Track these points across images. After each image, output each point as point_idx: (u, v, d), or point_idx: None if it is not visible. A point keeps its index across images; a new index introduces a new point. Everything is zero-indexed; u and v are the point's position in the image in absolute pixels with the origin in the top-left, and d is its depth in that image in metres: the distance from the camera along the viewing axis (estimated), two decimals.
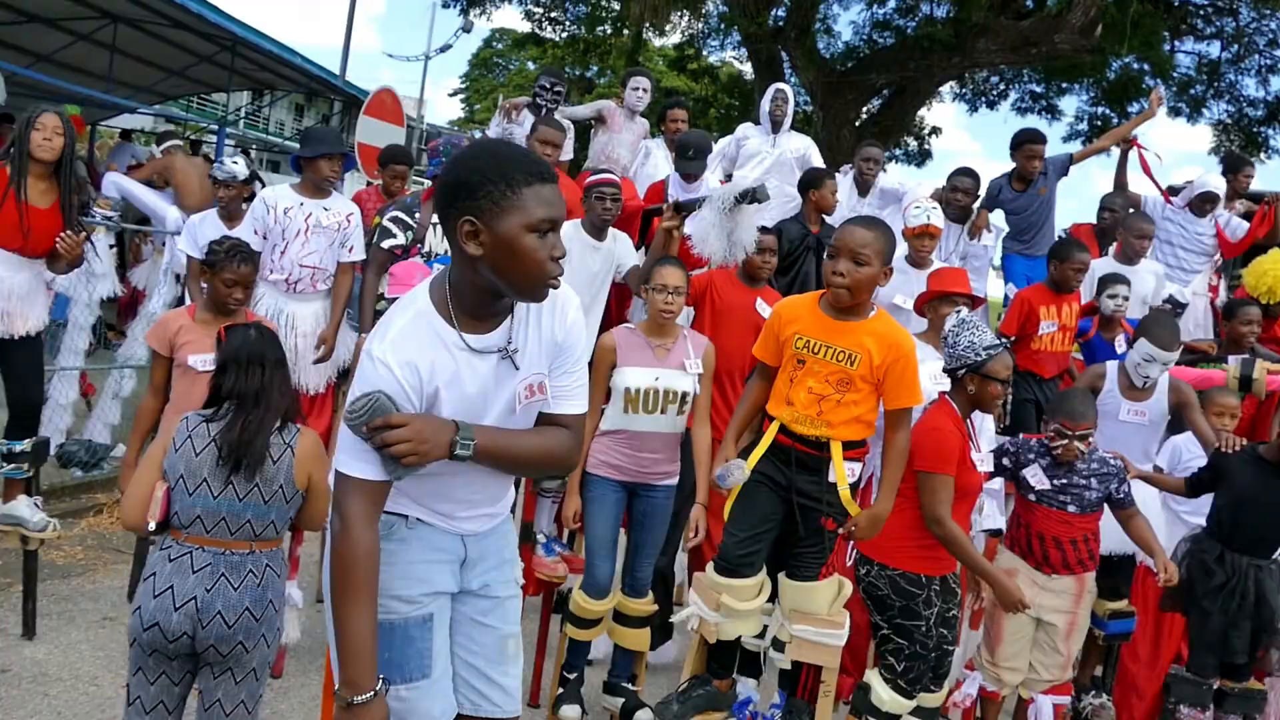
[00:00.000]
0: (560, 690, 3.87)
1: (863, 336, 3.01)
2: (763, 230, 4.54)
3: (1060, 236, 6.50)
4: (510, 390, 2.07)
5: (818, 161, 6.48)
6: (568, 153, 6.69)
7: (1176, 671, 3.94)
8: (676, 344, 3.75)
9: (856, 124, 12.73)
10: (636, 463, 3.70)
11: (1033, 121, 15.20)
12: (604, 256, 4.62)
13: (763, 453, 3.13)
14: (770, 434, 3.12)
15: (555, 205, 1.92)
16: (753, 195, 4.41)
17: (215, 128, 14.71)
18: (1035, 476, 3.79)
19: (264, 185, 5.74)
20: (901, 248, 4.96)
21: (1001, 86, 15.04)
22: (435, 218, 4.48)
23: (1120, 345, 5.09)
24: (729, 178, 6.23)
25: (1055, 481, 3.74)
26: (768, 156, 6.42)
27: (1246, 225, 6.29)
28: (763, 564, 3.26)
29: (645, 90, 6.78)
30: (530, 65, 25.94)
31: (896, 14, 13.14)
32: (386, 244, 4.49)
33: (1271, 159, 13.74)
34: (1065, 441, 3.64)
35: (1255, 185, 7.03)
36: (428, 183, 4.81)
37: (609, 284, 4.76)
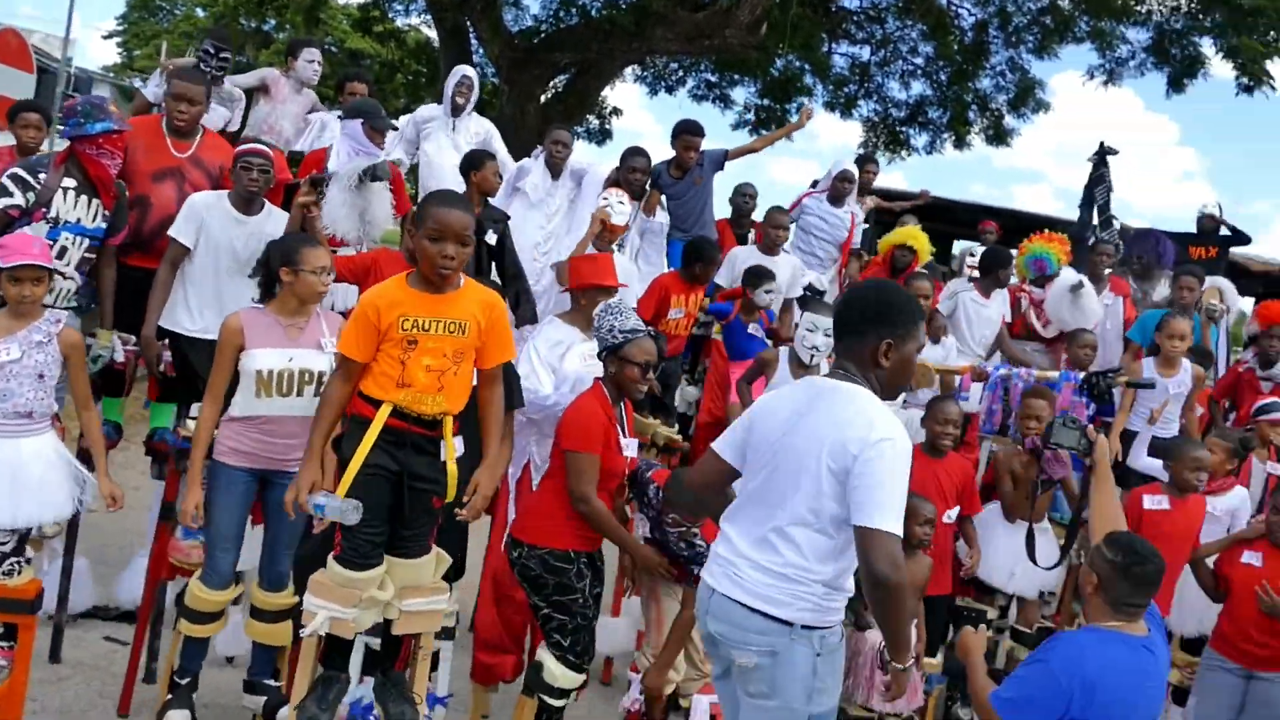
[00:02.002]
0: (169, 696, 3.61)
1: (465, 305, 3.08)
2: None
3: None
4: None
5: (499, 145, 6.50)
6: (235, 123, 6.24)
7: None
8: (310, 323, 3.60)
9: (542, 100, 12.83)
10: (270, 449, 3.52)
11: (706, 109, 16.06)
12: (251, 231, 4.37)
13: (372, 443, 3.03)
14: (379, 421, 3.03)
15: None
16: (374, 173, 4.37)
17: None
18: (642, 525, 3.85)
19: None
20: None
21: (680, 73, 15.65)
22: (71, 182, 4.16)
23: (754, 329, 5.74)
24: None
25: (651, 534, 3.80)
26: (446, 140, 6.34)
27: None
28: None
29: (321, 63, 6.52)
30: (200, 11, 23.78)
31: None
32: (1, 203, 4.07)
33: (912, 156, 15.38)
34: (681, 529, 3.64)
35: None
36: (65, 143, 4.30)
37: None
